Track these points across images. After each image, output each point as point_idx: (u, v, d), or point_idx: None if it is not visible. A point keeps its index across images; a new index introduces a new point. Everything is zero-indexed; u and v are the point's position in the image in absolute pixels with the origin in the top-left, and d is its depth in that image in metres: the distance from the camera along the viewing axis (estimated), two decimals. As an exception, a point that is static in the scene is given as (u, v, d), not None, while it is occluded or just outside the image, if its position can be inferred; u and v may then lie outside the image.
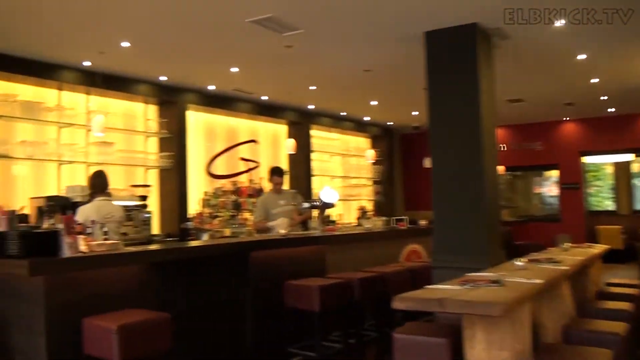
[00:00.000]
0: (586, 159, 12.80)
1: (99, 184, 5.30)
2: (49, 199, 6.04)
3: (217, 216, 8.88)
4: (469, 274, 3.61)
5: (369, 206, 12.47)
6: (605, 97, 10.10)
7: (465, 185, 5.60)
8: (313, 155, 10.92)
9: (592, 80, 8.68)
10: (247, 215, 9.10)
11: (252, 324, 4.93)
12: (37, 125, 7.05)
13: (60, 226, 3.80)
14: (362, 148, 12.68)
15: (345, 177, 12.13)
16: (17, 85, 6.89)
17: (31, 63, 6.69)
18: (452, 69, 5.76)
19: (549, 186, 13.35)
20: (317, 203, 6.58)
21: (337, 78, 8.24)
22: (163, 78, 7.95)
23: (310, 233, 6.40)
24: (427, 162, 10.64)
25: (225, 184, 9.50)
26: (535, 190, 13.74)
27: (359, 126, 12.20)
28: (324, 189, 6.67)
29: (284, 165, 10.52)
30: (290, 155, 10.53)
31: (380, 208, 12.50)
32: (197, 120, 9.23)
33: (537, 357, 3.04)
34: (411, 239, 7.26)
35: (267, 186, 7.35)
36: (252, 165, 10.13)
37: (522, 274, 3.59)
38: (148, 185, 8.09)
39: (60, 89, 7.33)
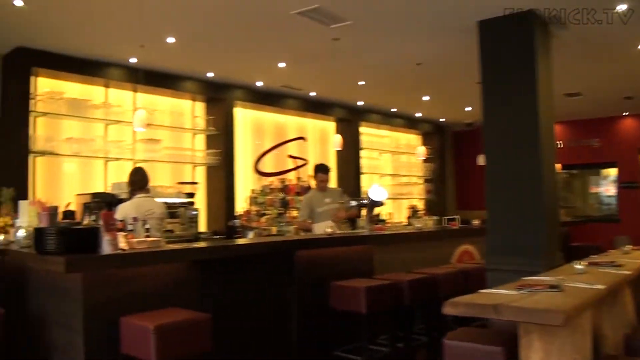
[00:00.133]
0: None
1: (138, 180, 5.23)
2: (95, 195, 6.05)
3: (264, 214, 8.79)
4: (526, 278, 3.46)
5: (420, 205, 12.18)
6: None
7: (522, 184, 5.31)
8: (362, 153, 10.71)
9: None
10: (294, 213, 8.97)
11: (297, 325, 4.77)
12: (84, 123, 7.12)
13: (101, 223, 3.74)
14: (413, 145, 12.38)
15: (395, 175, 11.88)
16: (64, 83, 6.98)
17: (78, 61, 6.75)
18: (507, 60, 5.46)
19: (607, 185, 12.75)
20: (365, 201, 6.36)
21: (386, 72, 8.01)
22: (210, 74, 7.91)
23: (358, 232, 6.21)
24: (481, 160, 10.36)
25: (273, 181, 9.40)
26: (591, 190, 13.15)
27: (409, 123, 11.92)
28: (372, 186, 6.44)
29: (332, 162, 10.37)
30: (339, 153, 10.35)
31: (431, 207, 12.18)
32: (244, 117, 9.17)
33: (597, 369, 2.81)
34: (463, 239, 6.97)
35: (314, 184, 7.19)
36: (300, 162, 10.01)
37: (582, 278, 3.38)
38: (195, 183, 8.06)
39: (107, 86, 7.39)
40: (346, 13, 5.47)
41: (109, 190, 6.83)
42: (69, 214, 5.41)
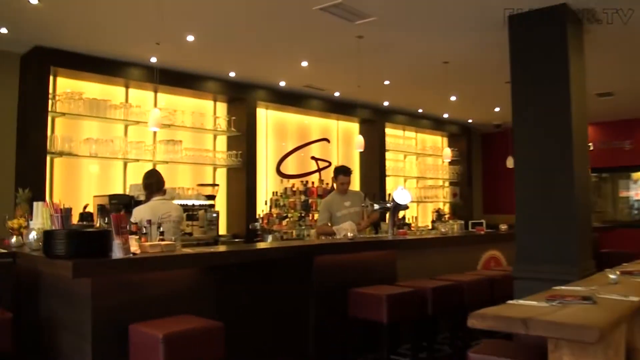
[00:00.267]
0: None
1: (154, 183, 5.11)
2: (112, 197, 5.95)
3: (285, 217, 8.63)
4: (556, 288, 3.28)
5: (445, 209, 11.92)
6: None
7: (553, 188, 5.06)
8: (387, 155, 10.49)
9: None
10: (316, 216, 8.79)
11: (315, 333, 4.61)
12: (104, 123, 7.06)
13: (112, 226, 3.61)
14: (439, 147, 12.15)
15: (420, 178, 11.64)
16: (83, 83, 6.93)
17: (97, 60, 6.70)
18: (539, 57, 5.21)
19: (637, 189, 12.35)
20: (389, 205, 6.15)
21: (412, 71, 7.81)
22: (232, 74, 7.80)
23: (380, 237, 6.01)
24: (510, 162, 10.09)
25: (295, 183, 9.25)
26: (621, 194, 12.74)
27: (436, 124, 11.67)
28: (397, 189, 6.23)
29: (356, 165, 10.19)
30: (363, 155, 10.16)
31: (457, 211, 11.91)
32: (267, 118, 9.04)
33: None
34: (490, 244, 6.73)
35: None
36: (323, 164, 9.84)
37: (615, 288, 3.20)
38: (216, 185, 7.93)
39: (127, 86, 7.32)
40: (370, 9, 5.29)
41: (128, 192, 6.74)
42: (86, 216, 5.31)
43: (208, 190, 7.65)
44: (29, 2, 5.02)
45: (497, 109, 10.49)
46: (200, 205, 7.18)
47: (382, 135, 10.37)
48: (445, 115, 11.40)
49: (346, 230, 5.68)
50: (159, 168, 7.22)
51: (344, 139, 10.28)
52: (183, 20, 5.66)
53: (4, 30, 5.78)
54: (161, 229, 4.25)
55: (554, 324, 2.45)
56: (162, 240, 4.07)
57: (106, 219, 4.59)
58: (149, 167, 7.18)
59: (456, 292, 4.99)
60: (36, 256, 3.76)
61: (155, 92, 7.63)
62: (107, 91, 7.13)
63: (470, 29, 5.83)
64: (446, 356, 5.20)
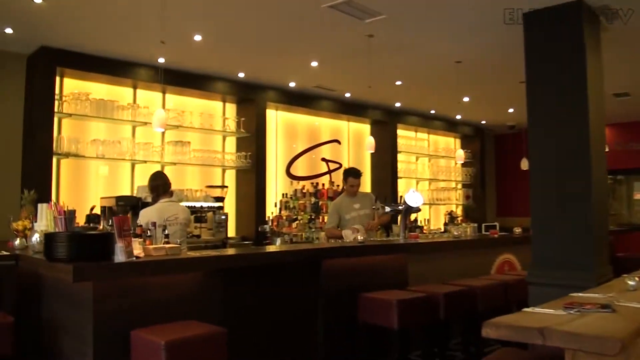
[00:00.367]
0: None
1: (160, 185, 5.00)
2: (119, 199, 5.87)
3: (295, 219, 8.52)
4: (574, 295, 3.16)
5: (458, 211, 11.75)
6: None
7: (570, 190, 4.90)
8: (399, 157, 10.35)
9: None
10: (327, 218, 8.68)
11: (323, 339, 4.48)
12: (111, 124, 7.00)
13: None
14: (452, 149, 12.00)
15: (433, 180, 11.50)
16: (90, 84, 6.88)
17: (104, 61, 6.64)
18: (555, 56, 5.06)
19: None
20: (400, 207, 6.01)
21: (424, 71, 7.69)
22: (241, 75, 7.71)
23: (391, 240, 5.87)
24: (524, 164, 9.93)
25: (305, 185, 9.14)
26: (636, 196, 12.54)
27: (448, 126, 11.53)
28: (408, 191, 6.09)
29: (367, 166, 10.06)
30: (375, 157, 10.04)
31: (470, 213, 11.74)
32: (277, 119, 8.95)
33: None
34: (504, 248, 6.57)
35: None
36: (334, 166, 9.72)
37: (635, 295, 3.07)
38: (225, 186, 7.84)
39: (135, 87, 7.25)
40: (380, 6, 5.18)
41: (135, 193, 6.67)
42: (92, 218, 5.25)
43: (217, 192, 7.56)
44: (32, 1, 4.96)
45: (510, 110, 10.33)
46: (208, 207, 7.09)
47: (394, 137, 10.24)
48: (458, 117, 11.26)
49: (354, 233, 5.54)
50: (167, 169, 7.15)
51: (355, 141, 10.16)
52: (190, 19, 5.59)
53: (9, 30, 5.73)
54: (166, 232, 4.16)
55: (573, 335, 2.33)
56: (167, 243, 3.97)
57: (110, 221, 4.50)
58: (156, 168, 7.11)
59: (469, 298, 4.85)
60: (37, 259, 3.70)
61: (164, 92, 7.56)
62: (115, 92, 7.07)
63: (484, 26, 5.70)
64: (459, 363, 5.08)
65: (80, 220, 4.85)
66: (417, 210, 6.19)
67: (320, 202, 9.01)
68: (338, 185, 9.28)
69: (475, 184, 12.20)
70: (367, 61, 6.76)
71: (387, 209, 6.14)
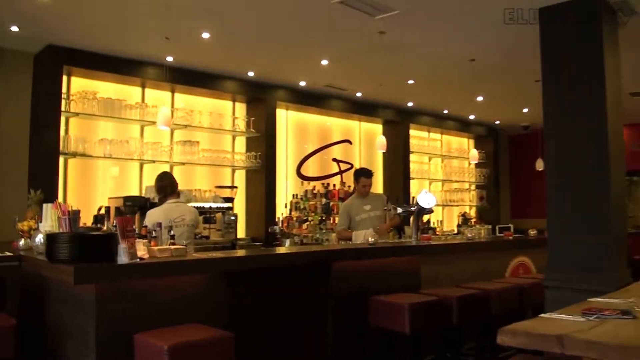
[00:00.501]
0: None
1: (167, 185, 4.92)
2: (127, 199, 5.79)
3: (306, 220, 8.42)
4: (592, 300, 3.05)
5: (472, 212, 11.58)
6: None
7: (587, 192, 4.75)
8: (411, 157, 10.22)
9: None
10: (337, 219, 8.57)
11: (333, 341, 4.38)
12: (119, 124, 6.94)
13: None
14: (465, 149, 11.84)
15: (446, 181, 11.34)
16: (98, 83, 6.82)
17: (112, 59, 6.58)
18: (572, 54, 4.91)
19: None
20: (412, 208, 5.88)
21: (437, 70, 7.54)
22: (250, 74, 7.62)
23: (403, 242, 5.75)
24: (540, 165, 9.76)
25: (316, 186, 9.03)
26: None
27: (462, 126, 11.37)
28: (421, 192, 5.96)
29: (379, 167, 9.94)
30: (387, 157, 9.91)
31: (484, 215, 11.57)
32: (287, 119, 8.85)
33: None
34: (518, 250, 6.42)
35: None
36: (345, 166, 9.61)
37: None
38: (234, 187, 7.75)
39: (143, 86, 7.18)
40: (392, 1, 5.06)
41: (143, 193, 6.59)
42: (100, 219, 5.17)
43: (226, 193, 7.47)
44: (37, -2, 4.90)
45: (525, 110, 10.15)
46: (217, 207, 7.01)
47: (407, 137, 10.10)
48: (472, 117, 11.11)
49: (364, 236, 5.42)
50: (175, 169, 7.08)
51: (366, 141, 10.03)
52: (197, 17, 5.50)
53: (15, 29, 5.67)
54: (172, 233, 4.07)
55: (593, 344, 2.22)
56: (173, 244, 3.89)
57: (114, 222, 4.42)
58: (165, 168, 7.04)
59: (483, 302, 4.72)
60: (40, 260, 3.63)
61: (172, 92, 7.49)
62: (123, 91, 7.00)
63: (499, 23, 5.54)
64: (472, 368, 4.95)
65: (88, 221, 4.77)
66: (430, 211, 6.06)
67: (331, 203, 8.90)
68: (349, 186, 9.16)
69: (489, 185, 12.02)
70: (378, 59, 6.65)
71: (399, 210, 6.01)
